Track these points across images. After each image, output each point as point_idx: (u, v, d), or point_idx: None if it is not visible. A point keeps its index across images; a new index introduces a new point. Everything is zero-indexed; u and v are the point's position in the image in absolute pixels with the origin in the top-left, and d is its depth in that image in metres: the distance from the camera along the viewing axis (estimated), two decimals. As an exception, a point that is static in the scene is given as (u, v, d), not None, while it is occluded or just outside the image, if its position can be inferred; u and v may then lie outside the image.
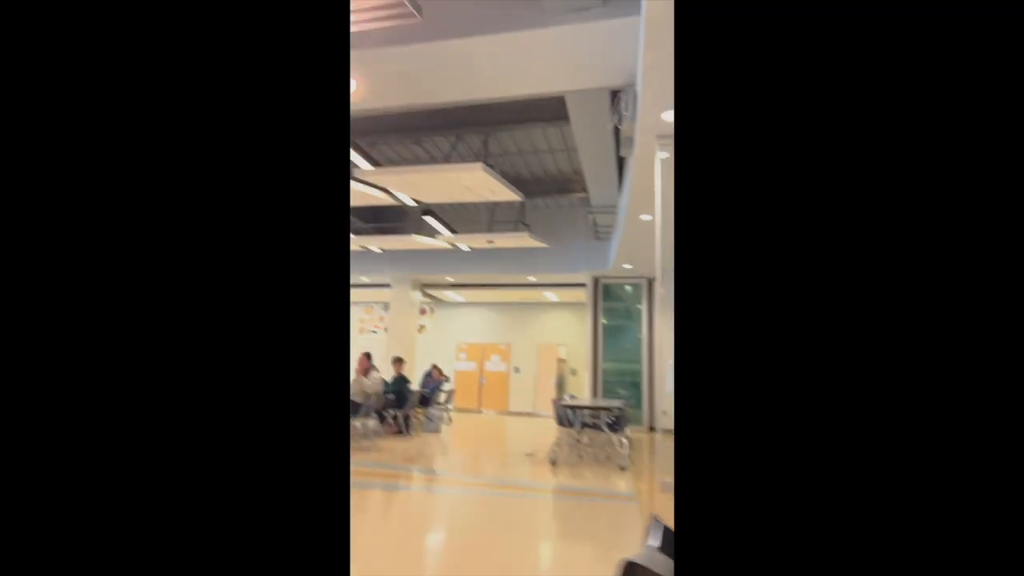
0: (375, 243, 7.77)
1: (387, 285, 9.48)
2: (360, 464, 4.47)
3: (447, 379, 8.75)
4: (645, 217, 4.70)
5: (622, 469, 4.67)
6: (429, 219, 6.68)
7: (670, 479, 3.34)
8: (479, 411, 10.99)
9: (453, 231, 7.05)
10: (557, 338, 11.25)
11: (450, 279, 9.71)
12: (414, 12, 2.85)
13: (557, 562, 2.61)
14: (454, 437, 6.95)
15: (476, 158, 5.91)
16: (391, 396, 6.47)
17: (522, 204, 7.25)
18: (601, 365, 8.11)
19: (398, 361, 7.10)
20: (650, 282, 8.07)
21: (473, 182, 5.14)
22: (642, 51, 2.31)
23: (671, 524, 0.78)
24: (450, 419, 8.07)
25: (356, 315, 11.51)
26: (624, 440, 5.11)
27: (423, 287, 9.98)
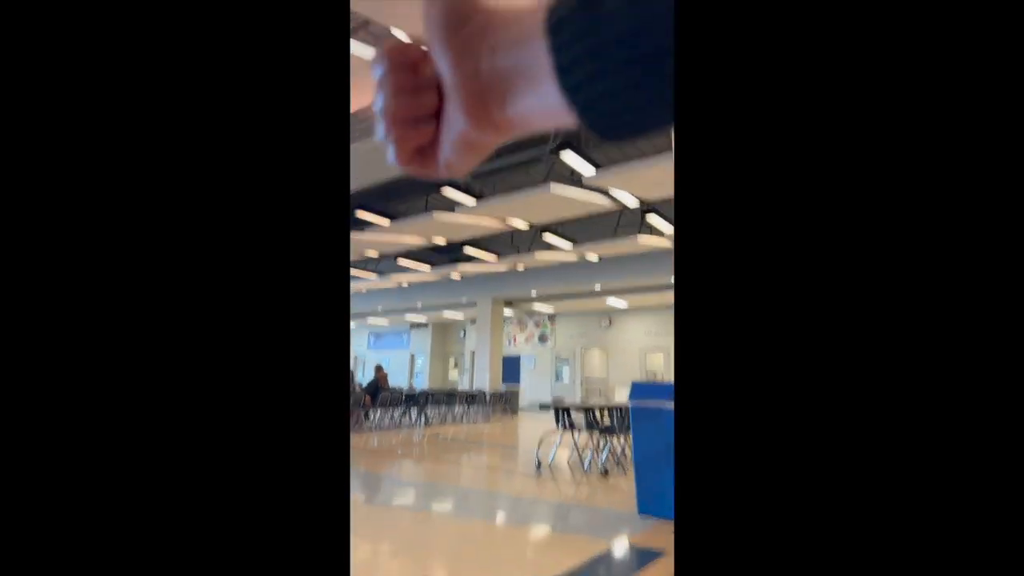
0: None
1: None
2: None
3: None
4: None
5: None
6: (549, 237, 7.11)
7: None
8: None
9: (575, 243, 7.57)
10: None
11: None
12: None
13: None
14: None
15: (570, 179, 5.62)
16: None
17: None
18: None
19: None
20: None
21: (557, 201, 5.21)
22: None
23: None
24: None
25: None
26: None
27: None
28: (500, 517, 3.11)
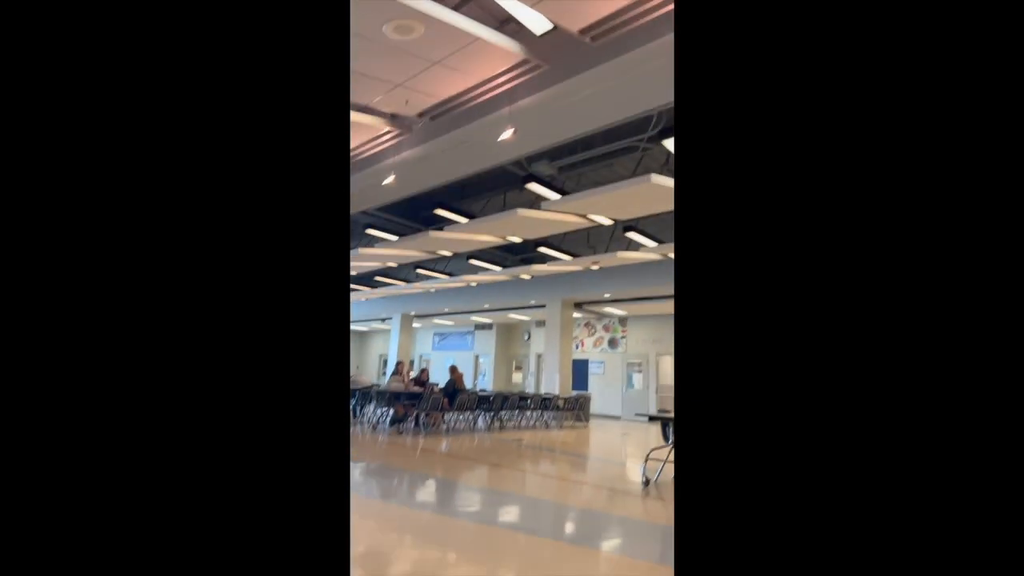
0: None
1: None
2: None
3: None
4: None
5: None
6: (632, 234, 7.19)
7: None
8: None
9: (659, 241, 7.61)
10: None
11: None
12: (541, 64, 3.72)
13: None
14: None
15: (661, 170, 5.80)
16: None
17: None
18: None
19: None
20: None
21: (657, 193, 5.32)
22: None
23: None
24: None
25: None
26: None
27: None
28: (614, 543, 2.71)
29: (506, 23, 3.76)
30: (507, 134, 4.52)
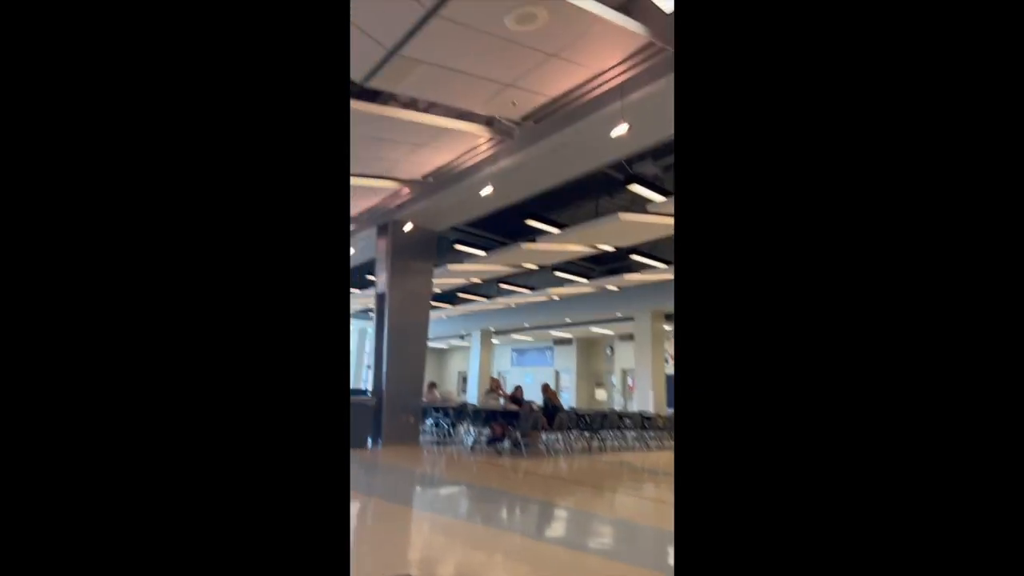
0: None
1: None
2: None
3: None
4: None
5: None
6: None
7: None
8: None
9: None
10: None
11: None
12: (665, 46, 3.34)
13: None
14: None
15: None
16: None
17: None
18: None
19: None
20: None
21: None
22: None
23: None
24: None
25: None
26: None
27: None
28: None
29: (631, 2, 3.44)
30: (620, 130, 4.17)
